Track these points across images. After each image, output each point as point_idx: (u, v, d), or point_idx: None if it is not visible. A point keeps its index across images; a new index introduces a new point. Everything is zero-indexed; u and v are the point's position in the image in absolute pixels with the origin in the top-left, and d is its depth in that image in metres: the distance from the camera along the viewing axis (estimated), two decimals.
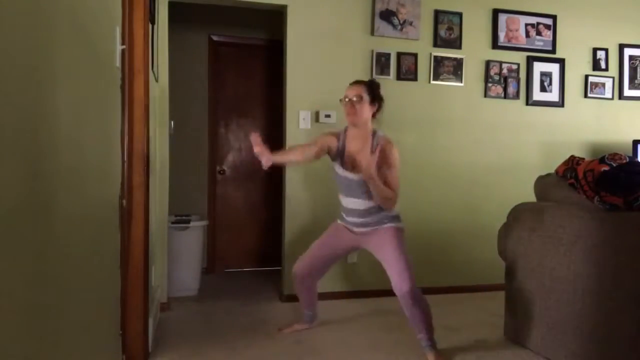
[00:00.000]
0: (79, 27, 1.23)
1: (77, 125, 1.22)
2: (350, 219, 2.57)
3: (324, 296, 3.45)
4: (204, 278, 3.94)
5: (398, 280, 2.37)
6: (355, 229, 2.57)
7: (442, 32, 3.70)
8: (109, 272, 1.67)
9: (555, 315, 2.34)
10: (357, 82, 2.54)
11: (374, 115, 2.53)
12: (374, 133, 2.50)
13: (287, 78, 3.47)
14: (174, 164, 3.50)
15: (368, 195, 2.43)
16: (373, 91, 2.50)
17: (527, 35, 3.90)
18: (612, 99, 4.12)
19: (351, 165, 2.49)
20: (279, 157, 2.48)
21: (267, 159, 2.36)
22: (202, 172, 4.34)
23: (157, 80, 3.07)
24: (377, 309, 3.27)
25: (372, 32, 3.57)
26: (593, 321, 2.18)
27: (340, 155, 2.53)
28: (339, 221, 2.68)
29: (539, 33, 3.92)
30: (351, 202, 2.52)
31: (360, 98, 2.45)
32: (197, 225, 3.64)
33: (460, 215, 3.77)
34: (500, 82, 3.84)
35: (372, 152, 2.42)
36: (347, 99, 2.47)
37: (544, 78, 3.95)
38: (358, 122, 2.47)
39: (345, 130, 2.58)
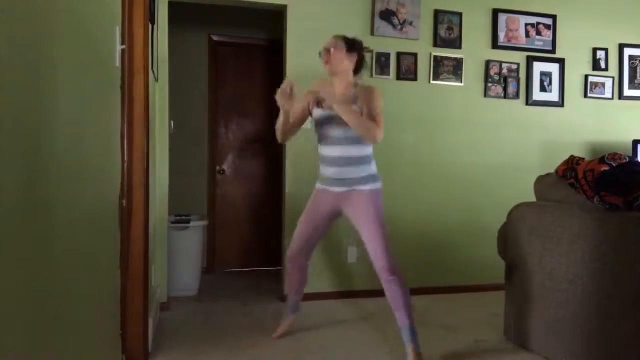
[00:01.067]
0: (79, 27, 1.23)
1: (77, 125, 1.22)
2: (328, 172, 2.49)
3: (324, 296, 3.46)
4: (204, 278, 3.94)
5: (378, 255, 2.37)
6: (334, 189, 2.48)
7: (442, 32, 3.70)
8: (109, 272, 1.67)
9: (555, 315, 2.34)
10: (335, 36, 2.52)
11: (356, 70, 2.51)
12: (355, 84, 2.48)
13: (287, 78, 3.46)
14: (174, 164, 3.50)
15: (348, 141, 2.40)
16: (350, 43, 2.47)
17: (527, 35, 3.90)
18: (612, 99, 4.12)
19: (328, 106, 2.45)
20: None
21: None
22: (202, 172, 4.34)
23: (157, 80, 3.07)
24: (376, 309, 3.27)
25: (372, 32, 3.57)
26: (593, 321, 2.18)
27: (319, 104, 2.50)
28: (317, 184, 2.61)
29: (539, 33, 3.92)
30: (330, 150, 2.46)
31: (336, 44, 2.44)
32: (197, 225, 3.64)
33: (460, 215, 3.77)
34: (500, 82, 3.84)
35: (350, 97, 2.41)
36: (324, 49, 2.47)
37: (544, 78, 3.95)
38: (335, 70, 2.44)
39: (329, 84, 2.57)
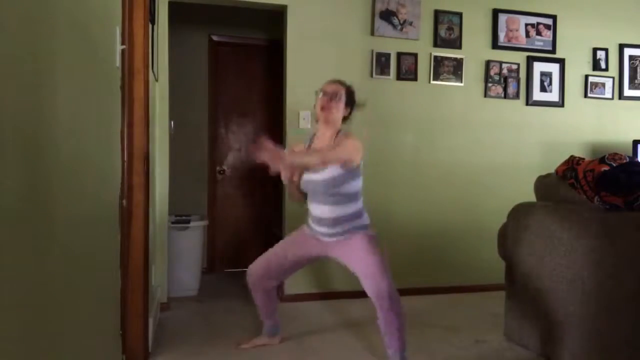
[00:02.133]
0: (79, 27, 1.23)
1: (77, 125, 1.22)
2: (319, 228, 2.39)
3: (324, 296, 3.46)
4: (204, 278, 3.94)
5: (374, 281, 2.22)
6: (324, 239, 2.39)
7: (442, 32, 3.70)
8: (109, 272, 1.67)
9: (556, 315, 2.34)
10: (336, 81, 2.44)
11: (344, 120, 2.43)
12: (338, 132, 2.40)
13: (287, 78, 3.47)
14: (174, 164, 3.49)
15: (335, 200, 2.30)
16: (350, 95, 2.42)
17: (527, 35, 3.90)
18: (612, 99, 4.12)
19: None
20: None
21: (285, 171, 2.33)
22: (202, 172, 4.34)
23: (157, 80, 3.07)
24: (375, 309, 3.26)
25: (372, 32, 3.57)
26: (593, 321, 2.18)
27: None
28: (306, 228, 2.50)
29: (539, 33, 3.92)
30: (319, 210, 2.35)
31: (337, 96, 2.36)
32: (197, 225, 3.63)
33: (460, 215, 3.76)
34: (500, 82, 3.84)
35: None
36: (324, 93, 2.37)
37: (544, 78, 3.95)
38: (331, 119, 2.36)
39: (313, 135, 2.51)
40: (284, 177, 2.38)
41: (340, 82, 2.43)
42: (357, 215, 2.36)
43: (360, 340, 2.72)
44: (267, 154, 2.17)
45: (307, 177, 2.37)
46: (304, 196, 2.49)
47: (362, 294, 3.50)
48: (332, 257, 2.46)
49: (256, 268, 2.54)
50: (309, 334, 2.80)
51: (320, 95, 2.38)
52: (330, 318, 3.09)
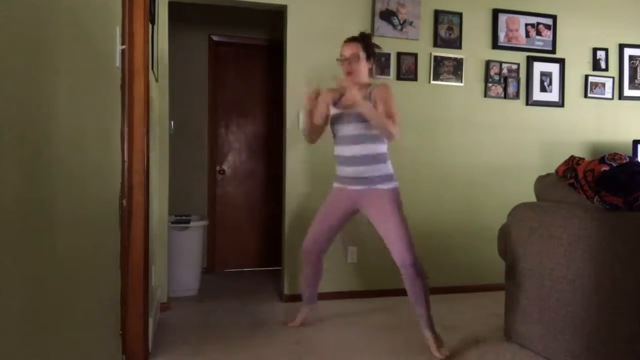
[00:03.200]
0: (79, 27, 1.23)
1: (77, 125, 1.22)
2: (344, 171, 2.56)
3: (324, 296, 3.45)
4: (204, 278, 3.94)
5: (401, 252, 2.41)
6: (350, 187, 2.56)
7: (442, 32, 3.70)
8: (109, 272, 1.67)
9: (555, 315, 2.34)
10: (351, 40, 2.58)
11: (370, 70, 2.61)
12: (369, 85, 2.55)
13: (287, 78, 3.47)
14: (174, 164, 3.50)
15: (364, 138, 2.46)
16: (368, 47, 2.57)
17: (527, 35, 3.90)
18: (612, 99, 4.12)
19: (346, 105, 2.52)
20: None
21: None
22: (202, 172, 4.34)
23: (157, 80, 3.07)
24: (376, 309, 3.27)
25: (372, 32, 3.56)
26: (593, 321, 2.18)
27: (334, 103, 2.61)
28: (334, 184, 2.68)
29: (539, 33, 3.92)
30: (347, 150, 2.52)
31: (358, 57, 2.52)
32: (197, 225, 3.64)
33: (460, 215, 3.77)
34: (500, 82, 3.84)
35: (366, 97, 2.47)
36: (344, 59, 2.54)
37: (544, 78, 3.95)
38: (357, 80, 2.52)
39: (340, 93, 2.62)
40: (326, 105, 2.59)
41: (355, 39, 2.58)
42: (383, 159, 2.52)
43: (361, 339, 2.72)
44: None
45: (336, 111, 2.55)
46: (322, 129, 2.69)
47: (362, 294, 3.53)
48: (361, 211, 2.61)
49: (310, 240, 2.72)
50: (310, 334, 2.80)
51: (341, 60, 2.55)
52: (330, 317, 3.08)
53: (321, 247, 2.75)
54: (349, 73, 2.52)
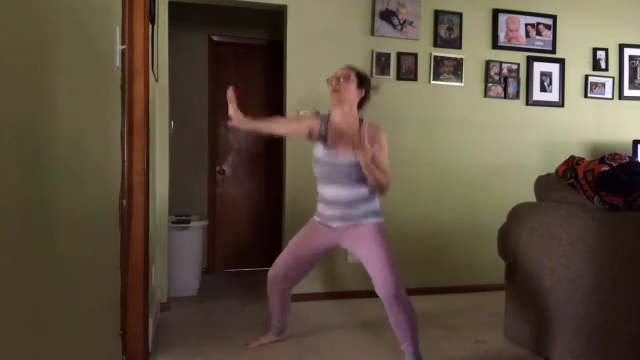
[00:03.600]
0: (79, 27, 1.23)
1: (77, 125, 1.22)
2: (329, 212, 2.37)
3: (324, 296, 3.46)
4: (204, 278, 3.94)
5: (382, 281, 2.23)
6: (334, 225, 2.37)
7: (442, 32, 3.70)
8: (109, 272, 1.67)
9: (555, 315, 2.34)
10: (347, 66, 2.44)
11: (360, 104, 2.41)
12: (361, 120, 2.39)
13: (287, 78, 3.47)
14: (174, 164, 3.49)
15: (351, 181, 2.29)
16: (361, 77, 2.40)
17: (527, 35, 3.90)
18: (612, 99, 4.12)
19: (335, 144, 2.34)
20: (254, 124, 2.50)
21: (237, 120, 2.45)
22: (202, 172, 4.34)
23: (157, 80, 3.07)
24: (376, 309, 3.26)
25: (372, 32, 3.57)
26: (593, 321, 2.18)
27: (322, 137, 2.38)
28: (315, 218, 2.47)
29: (539, 33, 3.92)
30: (333, 192, 2.33)
31: (348, 77, 2.34)
32: (197, 225, 3.64)
33: (460, 215, 3.77)
34: (500, 82, 3.84)
35: (359, 131, 2.24)
36: (333, 77, 2.37)
37: (544, 78, 3.95)
38: (343, 99, 2.33)
39: (328, 114, 2.45)
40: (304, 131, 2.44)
41: (350, 67, 2.43)
42: (371, 198, 2.35)
43: (362, 339, 2.72)
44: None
45: (327, 156, 2.33)
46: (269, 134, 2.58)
47: (362, 294, 3.53)
48: (342, 246, 2.45)
49: (276, 271, 2.50)
50: (310, 334, 2.80)
51: (331, 79, 2.39)
52: (330, 317, 3.08)
53: (289, 281, 2.52)
54: (336, 91, 2.33)
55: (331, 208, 2.36)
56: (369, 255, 2.29)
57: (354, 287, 3.56)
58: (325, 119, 2.43)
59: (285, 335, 2.69)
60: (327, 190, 2.36)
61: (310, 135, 2.42)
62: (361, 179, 2.28)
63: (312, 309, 3.22)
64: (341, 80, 2.34)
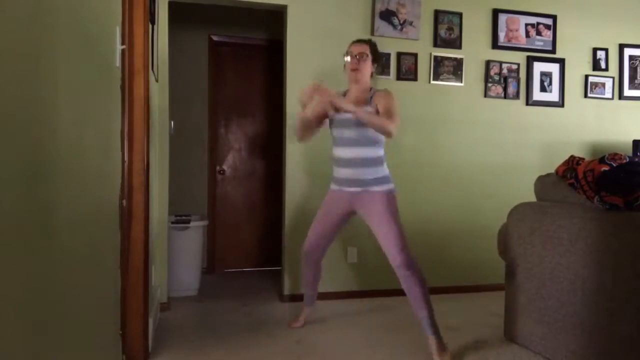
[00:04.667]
0: (79, 27, 1.23)
1: (77, 126, 1.22)
2: (341, 173, 2.58)
3: (324, 296, 3.46)
4: (204, 278, 3.94)
5: (393, 252, 2.40)
6: (347, 189, 2.58)
7: (442, 32, 3.70)
8: (109, 272, 1.67)
9: (555, 315, 2.34)
10: (361, 41, 2.63)
11: (371, 75, 2.65)
12: (371, 88, 2.60)
13: (287, 78, 3.47)
14: (174, 164, 3.49)
15: (363, 142, 2.50)
16: (375, 51, 2.62)
17: (527, 35, 3.90)
18: (612, 99, 4.12)
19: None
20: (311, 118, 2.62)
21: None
22: (202, 172, 4.34)
23: (157, 80, 3.07)
24: (376, 309, 3.27)
25: (372, 32, 3.57)
26: (593, 321, 2.18)
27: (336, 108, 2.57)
28: (331, 186, 2.71)
29: (539, 33, 3.92)
30: (343, 151, 2.55)
31: (364, 54, 2.56)
32: (197, 225, 3.64)
33: (460, 215, 3.77)
34: (500, 82, 3.84)
35: (367, 101, 2.52)
36: (353, 54, 2.56)
37: (544, 78, 3.95)
38: (361, 78, 2.57)
39: (345, 92, 2.67)
40: (311, 113, 2.55)
41: (364, 41, 2.63)
42: (380, 162, 2.54)
43: (361, 339, 2.72)
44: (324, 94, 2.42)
45: (337, 116, 2.55)
46: (313, 132, 2.69)
47: (362, 294, 3.53)
48: (357, 212, 2.63)
49: (310, 242, 2.76)
50: (310, 333, 2.80)
51: (348, 57, 2.58)
52: (330, 317, 3.09)
53: (321, 249, 2.78)
54: (355, 70, 2.55)
55: (344, 168, 2.56)
56: (379, 226, 2.47)
57: (355, 287, 3.56)
58: (341, 94, 2.63)
59: (315, 306, 3.00)
60: (339, 151, 2.58)
61: (327, 114, 2.61)
62: (370, 141, 2.50)
63: (313, 309, 3.21)
64: (358, 58, 2.55)
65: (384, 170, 2.57)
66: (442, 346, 2.42)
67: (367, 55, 2.57)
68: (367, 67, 2.58)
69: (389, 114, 2.44)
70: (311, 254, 2.79)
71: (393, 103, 2.48)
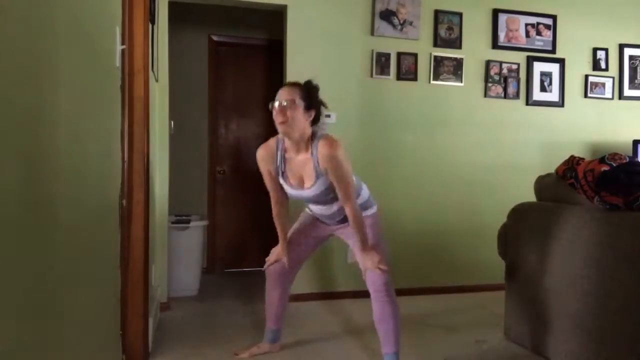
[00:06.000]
0: (79, 27, 1.23)
1: (77, 125, 1.22)
2: (317, 210, 2.37)
3: (324, 296, 3.46)
4: (204, 278, 3.94)
5: (372, 273, 2.20)
6: (327, 221, 2.40)
7: (442, 32, 3.70)
8: (109, 272, 1.67)
9: (555, 315, 2.34)
10: (291, 84, 2.19)
11: (314, 121, 2.17)
12: (312, 137, 2.16)
13: (287, 78, 3.46)
14: (174, 164, 3.49)
15: (333, 199, 2.22)
16: (309, 95, 2.14)
17: (527, 35, 3.90)
18: (612, 99, 4.12)
19: (296, 179, 2.23)
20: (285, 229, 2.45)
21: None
22: (202, 172, 4.34)
23: (157, 80, 3.07)
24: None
25: (372, 32, 3.57)
26: (593, 321, 2.18)
27: (282, 174, 2.25)
28: (308, 211, 2.47)
29: (539, 33, 3.92)
30: (318, 209, 2.34)
31: (293, 102, 2.07)
32: (197, 225, 3.64)
33: (460, 215, 3.76)
34: (500, 82, 3.84)
35: (315, 165, 2.12)
36: (276, 103, 2.09)
37: (544, 78, 3.95)
38: (291, 133, 2.09)
39: (283, 151, 2.22)
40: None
41: (294, 84, 2.19)
42: (363, 207, 2.27)
43: (361, 339, 2.72)
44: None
45: (296, 192, 2.25)
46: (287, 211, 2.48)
47: (361, 295, 3.52)
48: (337, 236, 2.47)
49: (276, 268, 2.47)
50: (308, 334, 2.79)
51: (273, 106, 2.12)
52: (328, 318, 3.08)
53: (289, 274, 2.49)
54: (282, 122, 2.06)
55: (321, 217, 2.40)
56: (359, 249, 2.27)
57: (354, 287, 3.56)
58: (280, 152, 2.23)
59: (278, 347, 2.54)
60: (311, 206, 2.39)
61: (272, 177, 2.29)
62: (334, 199, 2.23)
63: (311, 310, 3.22)
64: (285, 106, 2.07)
65: (363, 198, 2.29)
66: None
67: (295, 102, 2.07)
68: (298, 116, 2.07)
69: (344, 190, 2.10)
70: (276, 281, 2.46)
71: (343, 168, 2.08)
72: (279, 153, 2.23)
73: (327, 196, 2.21)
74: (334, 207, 2.28)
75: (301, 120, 2.10)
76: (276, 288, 2.49)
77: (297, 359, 2.46)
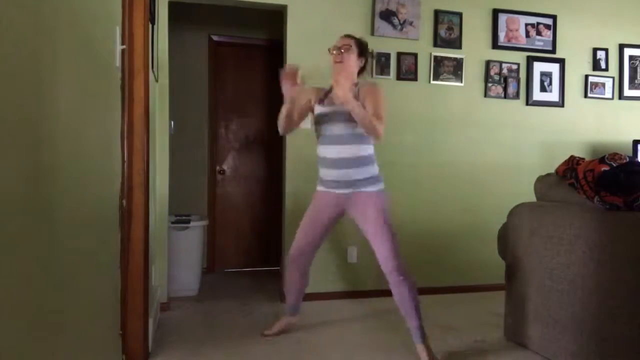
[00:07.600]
0: (79, 27, 1.23)
1: (77, 125, 1.22)
2: (329, 174, 2.45)
3: (324, 296, 3.46)
4: (204, 278, 3.94)
5: (384, 256, 2.34)
6: (336, 191, 2.46)
7: (442, 32, 3.70)
8: (109, 272, 1.67)
9: (555, 315, 2.34)
10: (347, 35, 2.53)
11: (360, 72, 2.53)
12: (357, 83, 2.47)
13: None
14: (174, 164, 3.49)
15: (351, 139, 2.37)
16: (361, 46, 2.51)
17: (527, 35, 3.90)
18: (612, 99, 4.12)
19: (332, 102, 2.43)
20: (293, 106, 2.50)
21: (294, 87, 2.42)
22: (202, 172, 4.34)
23: (157, 80, 3.07)
24: (376, 309, 3.27)
25: (372, 32, 3.57)
26: (593, 321, 2.18)
27: (321, 101, 2.51)
28: (318, 188, 2.57)
29: (539, 33, 3.92)
30: (329, 150, 2.42)
31: (349, 47, 2.46)
32: (197, 225, 3.63)
33: (460, 215, 3.76)
34: (500, 82, 3.84)
35: (355, 94, 2.36)
36: (335, 47, 2.47)
37: (544, 78, 3.95)
38: (345, 70, 2.42)
39: (328, 90, 2.51)
40: (292, 94, 2.42)
41: (350, 36, 2.52)
42: (369, 161, 2.44)
43: (361, 339, 2.72)
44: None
45: (321, 109, 2.47)
46: (297, 124, 2.58)
47: (362, 295, 3.53)
48: (347, 214, 2.54)
49: (300, 247, 2.62)
50: (310, 333, 2.79)
51: (332, 50, 2.47)
52: (330, 316, 3.08)
53: (310, 254, 2.64)
54: (339, 61, 2.43)
55: (332, 169, 2.44)
56: (372, 229, 2.38)
57: (354, 287, 3.56)
58: (324, 93, 2.53)
59: (298, 317, 2.81)
60: (327, 150, 2.44)
61: (302, 105, 2.52)
62: (358, 138, 2.38)
63: (313, 309, 3.21)
64: (342, 50, 2.44)
65: (374, 169, 2.46)
66: (431, 355, 2.36)
67: (351, 47, 2.45)
68: (352, 60, 2.45)
69: (377, 114, 2.31)
70: (300, 259, 2.63)
71: (381, 101, 2.36)
72: (324, 91, 2.53)
73: (352, 128, 2.35)
74: (348, 150, 2.38)
75: (353, 63, 2.47)
76: (298, 269, 2.66)
77: (297, 358, 2.46)
